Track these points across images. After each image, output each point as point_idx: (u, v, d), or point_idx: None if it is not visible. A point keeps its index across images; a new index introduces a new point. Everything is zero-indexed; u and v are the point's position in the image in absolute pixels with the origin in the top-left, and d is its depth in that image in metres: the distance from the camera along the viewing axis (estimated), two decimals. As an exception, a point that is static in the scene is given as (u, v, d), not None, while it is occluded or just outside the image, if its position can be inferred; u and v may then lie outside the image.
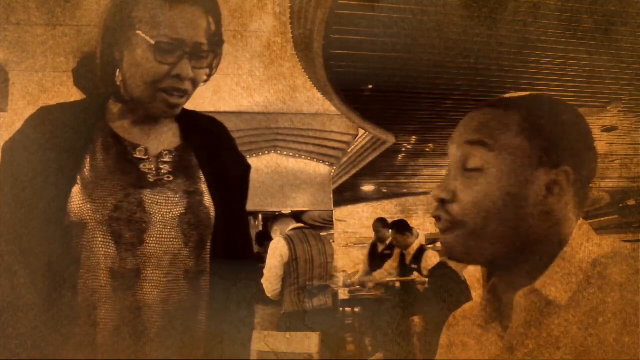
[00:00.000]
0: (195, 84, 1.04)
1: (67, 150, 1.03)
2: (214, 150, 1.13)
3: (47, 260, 0.97)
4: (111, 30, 1.04)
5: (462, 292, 3.16)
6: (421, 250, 4.86)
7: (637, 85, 4.85)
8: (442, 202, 0.78)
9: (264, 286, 3.60)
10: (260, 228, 6.31)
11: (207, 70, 1.07)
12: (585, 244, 0.76)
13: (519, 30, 3.81)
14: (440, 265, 3.69)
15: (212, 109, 5.63)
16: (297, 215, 4.82)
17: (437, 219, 0.79)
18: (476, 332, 0.83)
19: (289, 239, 3.69)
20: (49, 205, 1.00)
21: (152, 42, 0.99)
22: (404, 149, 6.89)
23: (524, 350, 0.74)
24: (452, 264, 3.33)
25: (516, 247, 0.76)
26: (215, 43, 1.05)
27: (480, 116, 0.80)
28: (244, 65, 4.77)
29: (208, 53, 1.04)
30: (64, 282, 0.95)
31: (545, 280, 0.74)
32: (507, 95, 0.83)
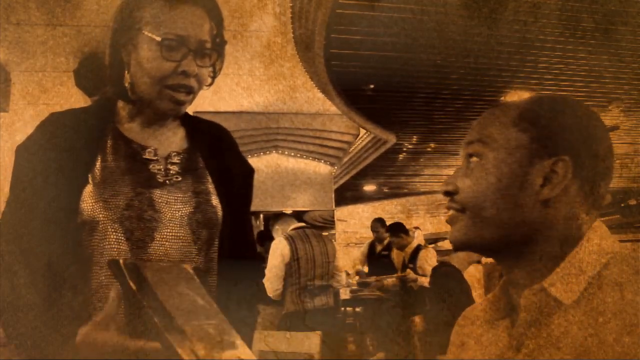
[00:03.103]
0: (200, 82, 1.06)
1: (68, 150, 1.04)
2: (219, 154, 1.16)
3: (47, 260, 0.97)
4: (118, 32, 1.07)
5: (462, 292, 3.16)
6: (417, 249, 4.92)
7: (638, 85, 4.85)
8: (449, 195, 0.82)
9: (266, 286, 3.60)
10: (261, 228, 6.30)
11: (211, 71, 1.09)
12: (585, 244, 0.76)
13: (519, 30, 3.81)
14: (443, 265, 3.70)
15: (212, 109, 5.63)
16: (298, 215, 4.83)
17: (449, 209, 0.84)
18: (486, 328, 0.84)
19: (290, 239, 3.68)
20: (49, 205, 1.01)
21: (158, 39, 1.01)
22: (405, 149, 6.89)
23: (527, 349, 0.75)
24: (455, 262, 3.33)
25: (518, 236, 0.77)
26: (218, 43, 1.08)
27: (483, 118, 0.83)
28: (244, 65, 4.77)
29: (212, 51, 1.06)
30: (64, 282, 0.96)
31: (553, 279, 0.75)
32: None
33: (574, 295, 0.73)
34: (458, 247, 0.81)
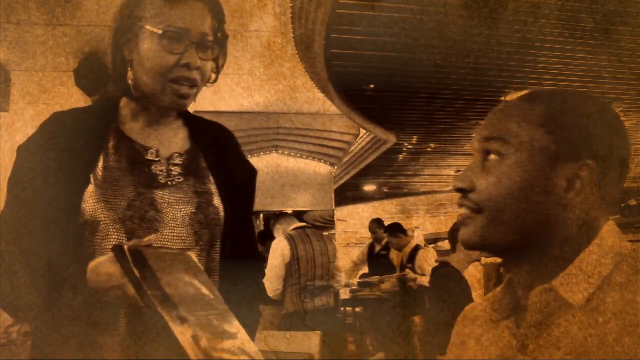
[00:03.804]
0: (203, 75, 1.07)
1: (69, 150, 1.04)
2: (222, 155, 1.17)
3: (47, 260, 0.97)
4: (119, 31, 1.08)
5: (462, 292, 3.16)
6: (416, 249, 4.92)
7: (637, 85, 4.85)
8: (462, 192, 0.79)
9: (266, 286, 3.59)
10: (262, 227, 6.30)
11: (213, 65, 1.10)
12: (597, 244, 0.74)
13: (519, 30, 3.81)
14: (442, 265, 3.69)
15: (212, 109, 5.63)
16: (298, 215, 4.83)
17: (460, 207, 0.80)
18: (486, 328, 0.83)
19: (290, 239, 3.68)
20: (49, 205, 1.01)
21: (160, 31, 1.02)
22: (405, 149, 6.89)
23: (527, 349, 0.74)
24: (455, 262, 3.32)
25: (534, 238, 0.75)
26: (220, 37, 1.09)
27: (502, 111, 0.80)
28: (244, 65, 4.77)
29: (213, 44, 1.07)
30: (64, 282, 0.96)
31: (562, 279, 0.73)
32: (531, 90, 0.83)
33: (583, 296, 0.72)
34: (471, 247, 0.79)
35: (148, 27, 1.03)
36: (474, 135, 0.83)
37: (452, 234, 3.48)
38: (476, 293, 3.34)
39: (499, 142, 0.76)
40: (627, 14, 3.71)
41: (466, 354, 0.85)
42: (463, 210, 0.79)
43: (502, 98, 5.03)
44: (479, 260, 3.46)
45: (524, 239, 0.75)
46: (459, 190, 0.79)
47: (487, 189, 0.76)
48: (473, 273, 3.41)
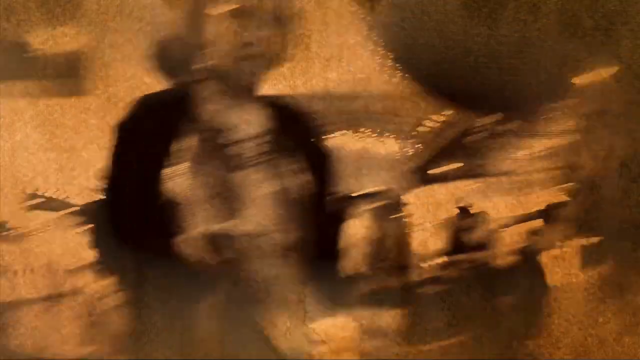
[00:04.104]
0: (273, 53, 1.14)
1: (151, 131, 1.09)
2: (300, 136, 1.20)
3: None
4: (190, 15, 1.13)
5: (536, 277, 3.10)
6: (492, 231, 4.92)
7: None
8: (564, 171, 0.77)
9: (344, 265, 3.61)
10: (337, 208, 6.26)
11: (285, 43, 1.15)
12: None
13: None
14: (522, 247, 3.64)
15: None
16: (373, 195, 4.87)
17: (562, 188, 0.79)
18: (592, 308, 0.82)
19: (366, 218, 3.70)
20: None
21: (228, 11, 1.06)
22: (484, 129, 6.79)
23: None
24: (541, 244, 3.29)
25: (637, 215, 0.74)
26: (287, 15, 1.14)
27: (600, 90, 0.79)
28: (244, 65, 4.77)
29: (280, 22, 1.12)
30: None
31: None
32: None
33: None
34: (574, 223, 0.78)
35: (216, 8, 1.07)
36: (569, 112, 0.81)
37: (545, 213, 3.45)
38: (558, 273, 3.31)
39: (601, 119, 0.75)
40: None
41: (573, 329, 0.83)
42: (561, 188, 0.78)
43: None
44: (563, 242, 3.43)
45: (626, 216, 0.74)
46: (562, 168, 0.77)
47: (589, 167, 0.75)
48: (556, 254, 3.39)
